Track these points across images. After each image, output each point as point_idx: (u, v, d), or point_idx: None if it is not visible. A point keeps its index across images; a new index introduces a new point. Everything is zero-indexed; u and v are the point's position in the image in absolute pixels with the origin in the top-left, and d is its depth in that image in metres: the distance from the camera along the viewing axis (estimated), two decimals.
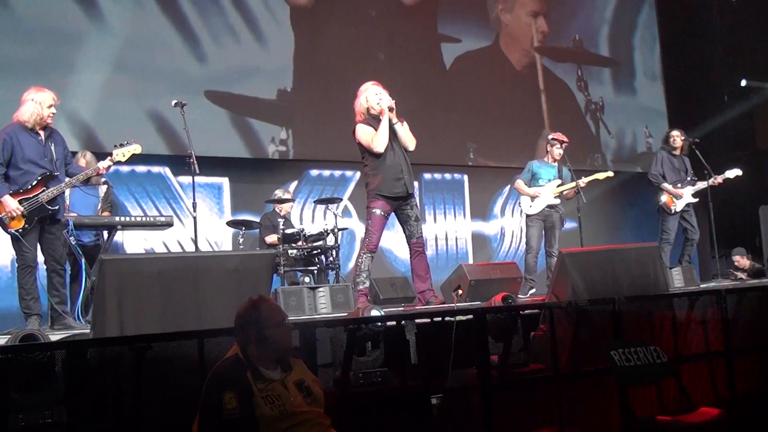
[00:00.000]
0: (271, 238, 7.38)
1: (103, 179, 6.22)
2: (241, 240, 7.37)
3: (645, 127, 11.84)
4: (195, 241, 6.10)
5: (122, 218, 6.17)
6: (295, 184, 8.94)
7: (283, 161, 8.84)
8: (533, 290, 7.06)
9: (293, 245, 7.02)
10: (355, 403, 3.94)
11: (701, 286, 7.47)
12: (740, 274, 9.12)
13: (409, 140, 5.82)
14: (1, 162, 5.07)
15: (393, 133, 5.77)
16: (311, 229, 7.26)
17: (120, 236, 7.14)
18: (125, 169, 7.59)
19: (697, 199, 8.06)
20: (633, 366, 4.11)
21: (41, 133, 5.24)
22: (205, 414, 3.05)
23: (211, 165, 7.85)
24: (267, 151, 8.69)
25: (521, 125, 10.37)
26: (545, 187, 7.34)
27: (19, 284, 5.13)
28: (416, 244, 5.83)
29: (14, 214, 5.04)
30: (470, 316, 4.29)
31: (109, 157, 5.50)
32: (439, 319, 4.47)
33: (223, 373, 3.10)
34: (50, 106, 5.22)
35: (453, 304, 5.43)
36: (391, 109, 5.73)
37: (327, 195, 8.64)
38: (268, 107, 8.73)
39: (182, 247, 7.94)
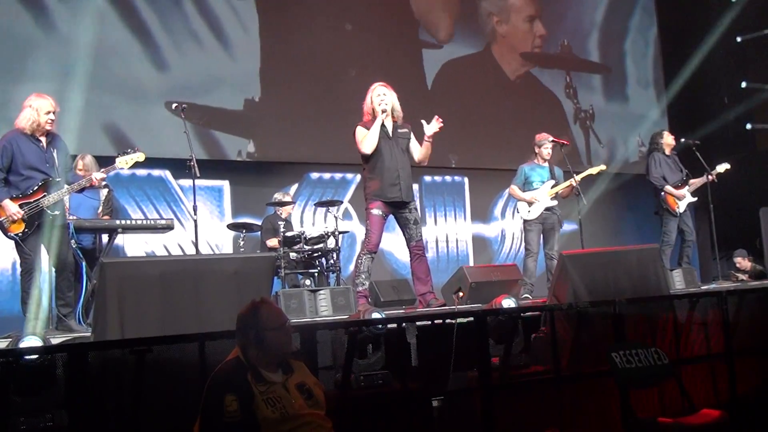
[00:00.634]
0: (272, 241, 7.39)
1: (104, 182, 6.23)
2: (242, 243, 7.38)
3: (637, 136, 11.39)
4: (196, 244, 6.11)
5: (123, 221, 6.20)
6: (295, 187, 8.95)
7: (284, 164, 8.85)
8: (527, 295, 6.95)
9: (294, 248, 7.02)
10: (356, 406, 3.94)
11: (702, 287, 7.47)
12: (741, 276, 9.12)
13: (422, 155, 5.90)
14: (1, 168, 5.11)
15: (396, 138, 5.81)
16: (312, 231, 7.26)
17: (121, 239, 7.13)
18: (126, 172, 7.55)
19: (696, 198, 8.07)
20: (634, 368, 4.10)
21: (42, 139, 5.26)
22: (206, 417, 3.05)
23: (212, 168, 7.87)
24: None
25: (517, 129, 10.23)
26: (540, 190, 7.26)
27: (22, 288, 5.16)
28: (416, 247, 5.84)
29: (14, 218, 5.06)
30: (471, 319, 4.29)
31: (111, 165, 5.54)
32: (440, 321, 4.48)
33: (224, 376, 3.10)
34: (48, 113, 5.23)
35: (453, 307, 5.43)
36: (384, 112, 5.75)
37: (327, 198, 8.64)
38: (233, 118, 8.39)
39: (183, 250, 7.94)
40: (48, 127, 5.26)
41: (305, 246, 7.04)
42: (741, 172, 8.78)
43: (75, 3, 7.60)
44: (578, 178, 7.22)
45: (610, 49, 11.48)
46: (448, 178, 10.07)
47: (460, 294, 6.02)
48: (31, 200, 5.14)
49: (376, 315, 4.34)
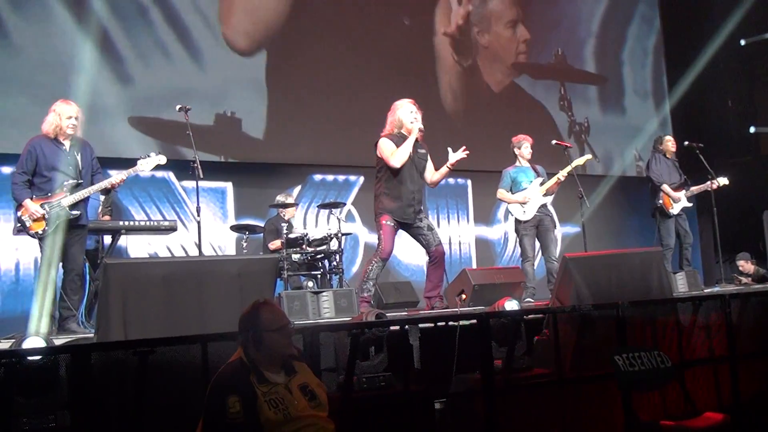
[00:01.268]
0: (275, 243, 7.39)
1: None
2: (245, 244, 7.38)
3: (634, 150, 11.10)
4: (199, 246, 6.12)
5: (126, 222, 6.23)
6: (298, 188, 8.94)
7: (287, 166, 8.85)
8: (529, 298, 6.86)
9: (297, 249, 7.03)
10: (358, 408, 3.94)
11: (705, 290, 7.46)
12: (744, 279, 9.12)
13: (437, 179, 6.02)
14: (26, 171, 5.30)
15: (416, 159, 5.85)
16: (315, 233, 7.26)
17: (124, 240, 7.14)
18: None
19: (691, 204, 8.08)
20: (637, 371, 4.09)
21: (66, 143, 5.41)
22: (209, 418, 3.05)
23: (215, 170, 7.87)
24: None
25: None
26: (530, 189, 7.20)
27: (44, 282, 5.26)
28: (436, 252, 5.90)
29: (36, 216, 5.22)
30: (474, 321, 4.29)
31: (132, 168, 5.62)
32: (443, 323, 4.48)
33: (226, 377, 3.11)
34: (69, 118, 5.37)
35: (456, 309, 5.43)
36: (420, 131, 5.83)
37: (330, 199, 8.64)
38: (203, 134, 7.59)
39: (186, 252, 7.94)
40: (70, 132, 5.40)
41: (308, 248, 7.04)
42: (744, 176, 8.78)
43: (28, 11, 7.19)
44: (565, 171, 7.17)
45: (606, 58, 11.14)
46: (451, 180, 10.04)
47: (463, 296, 6.02)
48: (53, 200, 5.28)
49: (378, 317, 4.35)
